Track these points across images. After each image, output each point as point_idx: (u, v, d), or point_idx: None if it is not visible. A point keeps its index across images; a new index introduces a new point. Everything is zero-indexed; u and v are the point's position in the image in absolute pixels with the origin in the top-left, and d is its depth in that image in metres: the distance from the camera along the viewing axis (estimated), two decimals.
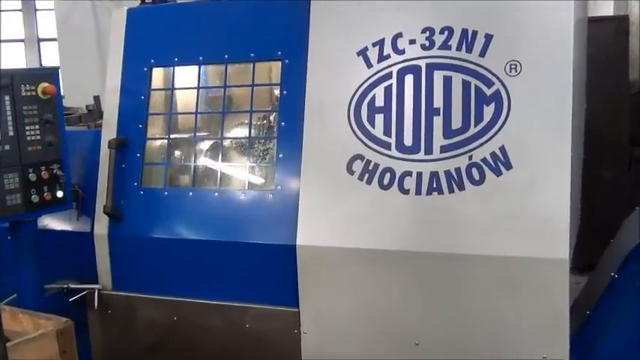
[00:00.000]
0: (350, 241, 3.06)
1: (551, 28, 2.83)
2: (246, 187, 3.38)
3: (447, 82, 2.95)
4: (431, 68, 2.98)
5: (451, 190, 2.92)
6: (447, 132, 2.94)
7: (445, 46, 2.97)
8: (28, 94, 3.31)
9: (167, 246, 3.47)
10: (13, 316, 2.46)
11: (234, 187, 3.46)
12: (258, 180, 3.45)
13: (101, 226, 3.63)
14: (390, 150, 3.03)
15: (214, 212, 3.40)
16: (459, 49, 2.94)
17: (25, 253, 3.46)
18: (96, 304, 3.61)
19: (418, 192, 2.97)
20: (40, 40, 15.66)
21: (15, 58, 16.38)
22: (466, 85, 2.92)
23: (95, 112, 4.39)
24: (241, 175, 3.46)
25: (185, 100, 3.72)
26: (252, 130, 3.46)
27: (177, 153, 3.69)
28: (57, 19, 6.84)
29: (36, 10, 15.78)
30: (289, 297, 3.22)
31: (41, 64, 14.68)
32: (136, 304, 3.59)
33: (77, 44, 6.17)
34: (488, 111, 2.89)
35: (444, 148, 2.95)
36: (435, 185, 2.94)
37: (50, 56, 14.80)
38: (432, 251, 2.94)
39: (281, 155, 3.29)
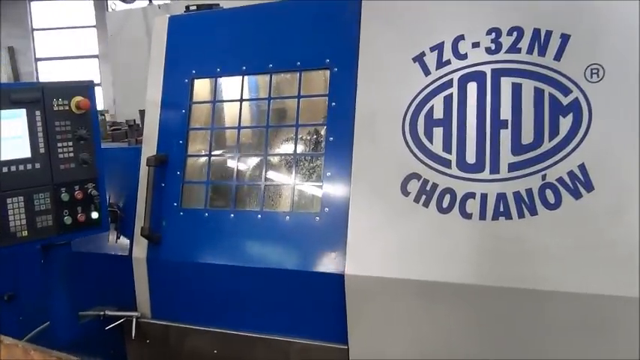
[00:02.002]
0: (404, 271, 2.80)
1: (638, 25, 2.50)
2: (291, 209, 3.17)
3: (517, 90, 2.68)
4: (497, 74, 2.72)
5: (521, 215, 2.63)
6: (517, 147, 2.67)
7: (514, 49, 2.70)
8: (61, 108, 3.22)
9: (207, 272, 3.31)
10: (25, 352, 2.30)
11: (278, 208, 3.26)
12: (303, 201, 3.23)
13: (140, 249, 3.50)
14: (451, 168, 2.78)
15: (257, 236, 3.22)
16: (530, 52, 2.67)
17: (58, 278, 3.39)
18: (134, 333, 3.48)
19: (482, 216, 2.69)
20: None
21: (90, 73, 16.94)
22: (539, 94, 2.64)
23: (136, 127, 4.29)
24: (286, 195, 3.26)
25: (229, 113, 3.56)
26: (299, 146, 3.24)
27: (218, 171, 3.51)
28: (110, 31, 6.87)
29: None
30: (337, 332, 2.99)
31: None
32: (176, 334, 3.44)
33: (129, 56, 6.15)
34: (565, 123, 2.60)
35: (512, 166, 2.67)
36: (502, 209, 2.66)
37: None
38: (498, 285, 2.64)
39: (329, 173, 3.07)
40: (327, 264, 2.98)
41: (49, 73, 18.29)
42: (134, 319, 3.48)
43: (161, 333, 3.47)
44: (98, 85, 16.33)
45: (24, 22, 17.92)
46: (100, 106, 16.17)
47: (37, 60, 18.47)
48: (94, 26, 17.36)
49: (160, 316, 3.49)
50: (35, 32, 18.33)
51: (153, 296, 3.50)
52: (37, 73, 18.43)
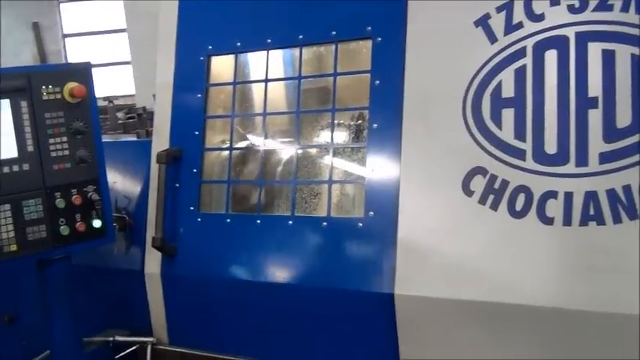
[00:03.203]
0: (467, 290, 2.67)
1: None
2: (329, 213, 3.05)
3: (608, 59, 2.53)
4: (583, 39, 2.57)
5: (617, 220, 2.46)
6: (610, 133, 2.51)
7: (604, 5, 2.55)
8: (52, 97, 3.11)
9: (230, 289, 3.23)
10: None
11: (313, 212, 3.16)
12: (343, 203, 3.13)
13: (153, 262, 3.46)
14: (525, 160, 2.65)
15: (288, 246, 3.13)
16: (624, 9, 2.51)
17: (57, 299, 3.28)
18: None
19: (567, 222, 2.55)
20: None
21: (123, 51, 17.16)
22: (637, 63, 2.47)
23: (148, 115, 4.20)
24: (322, 196, 3.15)
25: (254, 97, 3.46)
26: (337, 135, 3.12)
27: (242, 168, 3.43)
28: (125, 5, 6.78)
29: None
30: None
31: None
32: None
33: (146, 31, 6.02)
34: None
35: (605, 157, 2.52)
36: (592, 212, 2.50)
37: None
38: (586, 310, 2.47)
39: (373, 169, 2.94)
40: (373, 281, 2.88)
41: (78, 51, 18.67)
42: (149, 346, 3.45)
43: None
44: (128, 63, 16.43)
45: None
46: (132, 90, 16.37)
47: (64, 36, 18.88)
48: None
49: (178, 341, 3.46)
50: (62, 5, 18.72)
51: (170, 318, 3.47)
52: (64, 51, 18.83)
